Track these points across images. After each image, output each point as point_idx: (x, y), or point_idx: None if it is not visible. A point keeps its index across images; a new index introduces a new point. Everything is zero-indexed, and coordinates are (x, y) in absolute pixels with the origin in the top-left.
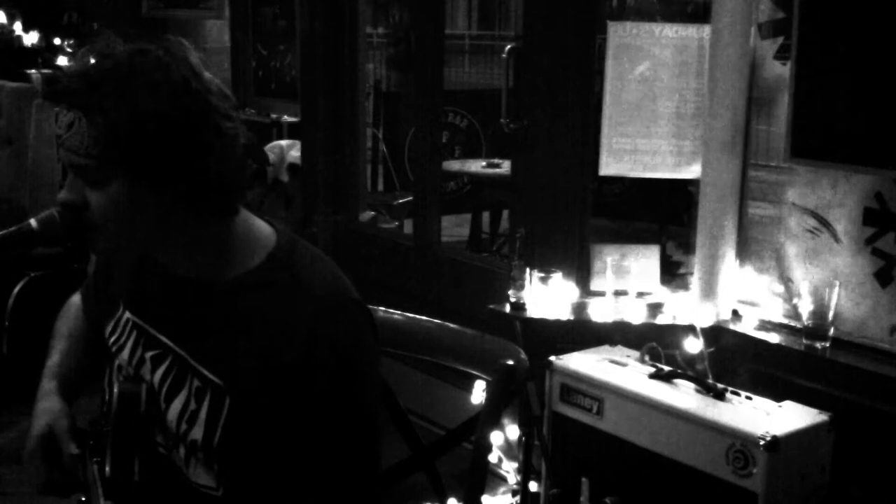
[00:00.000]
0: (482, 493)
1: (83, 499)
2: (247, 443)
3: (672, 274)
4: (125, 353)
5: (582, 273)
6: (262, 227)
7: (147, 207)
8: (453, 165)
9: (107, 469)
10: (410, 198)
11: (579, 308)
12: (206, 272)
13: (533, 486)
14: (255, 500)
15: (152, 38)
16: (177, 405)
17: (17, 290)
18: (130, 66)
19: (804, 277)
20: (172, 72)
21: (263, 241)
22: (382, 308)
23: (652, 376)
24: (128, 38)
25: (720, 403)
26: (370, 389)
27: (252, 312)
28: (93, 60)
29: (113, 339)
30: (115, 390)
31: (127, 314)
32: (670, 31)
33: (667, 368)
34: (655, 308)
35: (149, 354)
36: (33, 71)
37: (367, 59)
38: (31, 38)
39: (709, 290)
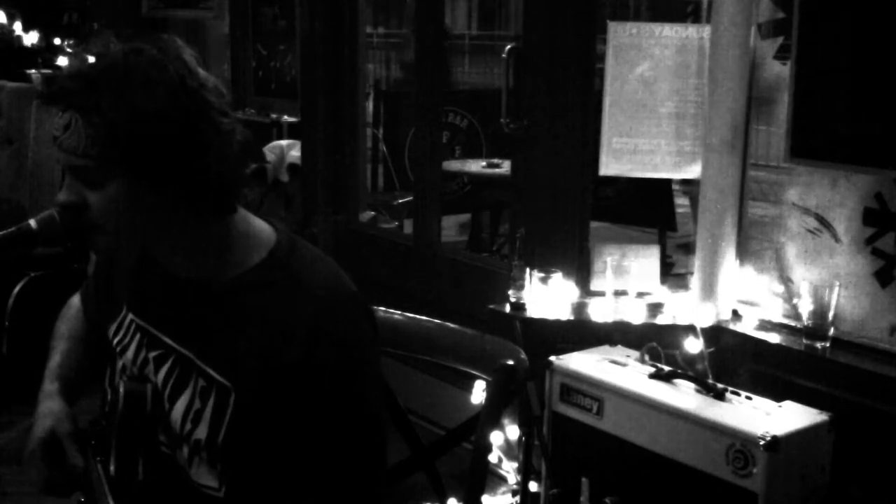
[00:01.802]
0: (482, 493)
1: (83, 500)
2: (251, 442)
3: (667, 274)
4: (129, 354)
5: (582, 273)
6: (262, 226)
7: (146, 207)
8: (453, 165)
9: (111, 468)
10: (410, 198)
11: (579, 308)
12: (206, 272)
13: (533, 486)
14: (257, 501)
15: (146, 36)
16: (181, 405)
17: (17, 290)
18: (126, 65)
19: (804, 277)
20: (168, 70)
21: (263, 241)
22: (382, 308)
23: (652, 376)
24: (122, 37)
25: (720, 403)
26: (373, 387)
27: (253, 312)
28: (89, 60)
29: (117, 340)
30: (122, 390)
31: (130, 316)
32: (670, 31)
33: (667, 368)
34: (655, 308)
35: (152, 355)
36: (33, 71)
37: (367, 58)
38: (31, 38)
39: (709, 290)
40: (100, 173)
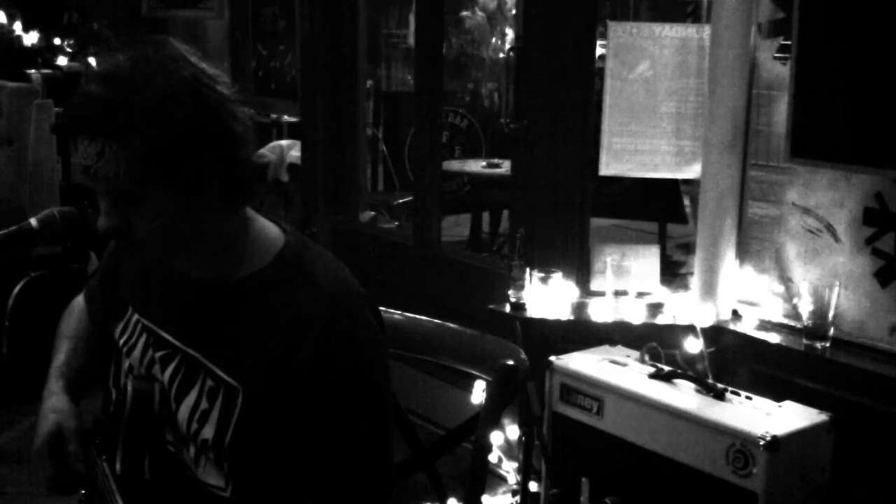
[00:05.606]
0: (482, 493)
1: (83, 499)
2: (259, 442)
3: (672, 274)
4: (136, 354)
5: (582, 273)
6: (270, 227)
7: (189, 212)
8: (453, 165)
9: (117, 467)
10: (410, 198)
11: (579, 308)
12: (216, 272)
13: (533, 486)
14: (264, 500)
15: (142, 43)
16: (187, 404)
17: (17, 290)
18: (143, 77)
19: (804, 277)
20: (181, 72)
21: (272, 242)
22: (382, 308)
23: (652, 376)
24: (115, 48)
25: (720, 403)
26: (383, 385)
27: (264, 311)
28: (98, 83)
29: (123, 340)
30: (129, 389)
31: (136, 316)
32: (670, 31)
33: (667, 368)
34: (655, 308)
35: (158, 355)
36: (33, 71)
37: (367, 58)
38: (31, 38)
39: (709, 290)
40: (141, 191)
